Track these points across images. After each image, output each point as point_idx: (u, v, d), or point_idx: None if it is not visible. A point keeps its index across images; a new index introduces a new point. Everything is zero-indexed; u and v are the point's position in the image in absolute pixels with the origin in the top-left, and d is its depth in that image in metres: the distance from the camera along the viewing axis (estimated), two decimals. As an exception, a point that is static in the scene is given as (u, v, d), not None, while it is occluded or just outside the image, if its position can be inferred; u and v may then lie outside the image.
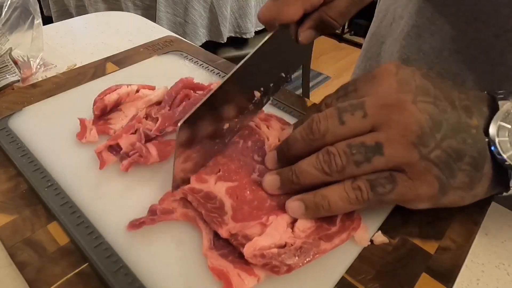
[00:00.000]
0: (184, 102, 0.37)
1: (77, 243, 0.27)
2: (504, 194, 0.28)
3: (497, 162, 0.26)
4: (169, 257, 0.27)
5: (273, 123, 0.35)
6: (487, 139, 0.26)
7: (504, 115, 0.26)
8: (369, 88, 0.28)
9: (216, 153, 0.32)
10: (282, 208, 0.28)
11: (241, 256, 0.26)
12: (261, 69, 0.31)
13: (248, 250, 0.25)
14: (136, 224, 0.28)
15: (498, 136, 0.26)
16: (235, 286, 0.24)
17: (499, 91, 0.27)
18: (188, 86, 0.37)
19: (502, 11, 0.34)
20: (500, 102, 0.27)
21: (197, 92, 0.39)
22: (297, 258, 0.25)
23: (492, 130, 0.26)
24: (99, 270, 0.26)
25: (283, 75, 0.34)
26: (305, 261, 0.25)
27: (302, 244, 0.26)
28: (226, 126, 0.31)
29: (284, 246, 0.26)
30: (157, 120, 0.34)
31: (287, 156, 0.29)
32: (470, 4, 0.36)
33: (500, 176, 0.26)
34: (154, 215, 0.28)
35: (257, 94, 0.32)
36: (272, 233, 0.27)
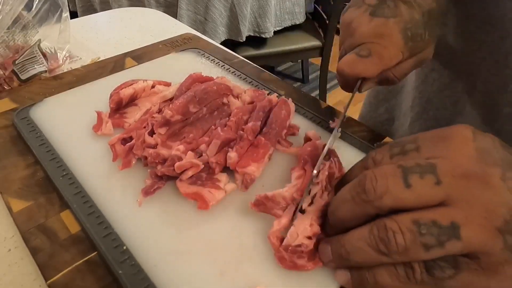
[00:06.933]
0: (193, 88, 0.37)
1: (87, 231, 0.28)
2: None
3: None
4: (173, 251, 0.28)
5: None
6: None
7: None
8: (438, 151, 0.23)
9: None
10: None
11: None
12: None
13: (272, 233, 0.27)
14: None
15: None
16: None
17: None
18: (197, 80, 0.38)
19: (507, 14, 0.35)
20: None
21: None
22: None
23: None
24: (107, 259, 0.26)
25: None
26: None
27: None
28: None
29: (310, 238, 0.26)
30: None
31: (335, 221, 0.25)
32: (478, 8, 0.37)
33: None
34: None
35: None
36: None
